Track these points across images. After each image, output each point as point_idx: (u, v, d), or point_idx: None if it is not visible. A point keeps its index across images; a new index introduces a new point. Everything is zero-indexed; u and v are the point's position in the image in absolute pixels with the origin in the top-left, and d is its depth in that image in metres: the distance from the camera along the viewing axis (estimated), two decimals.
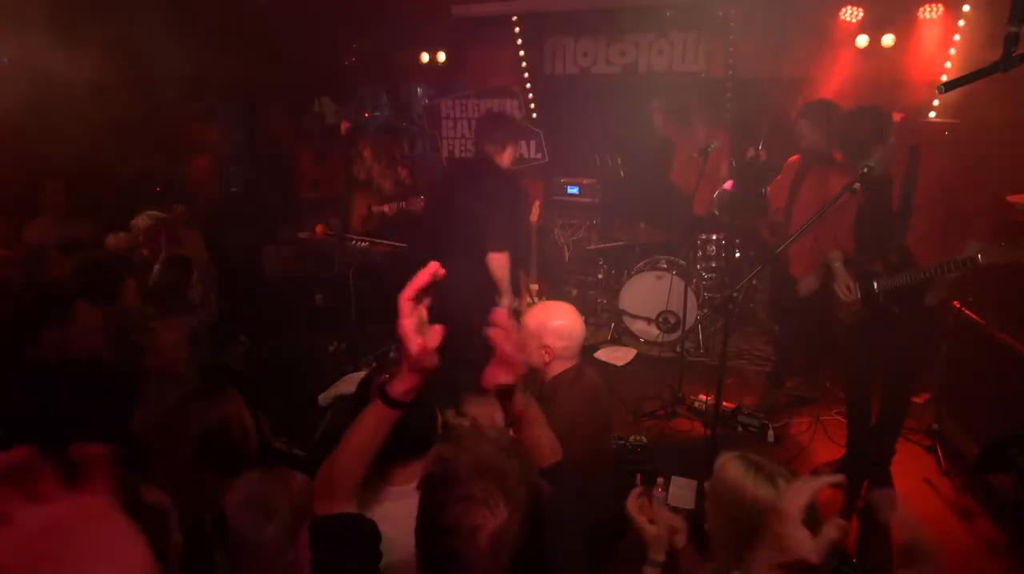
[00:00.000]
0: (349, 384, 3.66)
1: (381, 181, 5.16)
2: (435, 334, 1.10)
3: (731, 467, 1.37)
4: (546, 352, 2.15)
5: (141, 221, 3.53)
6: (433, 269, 1.09)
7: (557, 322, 2.15)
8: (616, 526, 2.45)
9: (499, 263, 3.05)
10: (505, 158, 3.24)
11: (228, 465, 1.66)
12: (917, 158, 2.70)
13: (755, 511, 1.30)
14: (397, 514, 1.26)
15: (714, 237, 4.82)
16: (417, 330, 1.09)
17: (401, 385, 1.15)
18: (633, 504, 1.68)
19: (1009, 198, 3.15)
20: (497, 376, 1.12)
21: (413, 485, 1.21)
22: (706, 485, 1.42)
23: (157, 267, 3.29)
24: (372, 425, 1.17)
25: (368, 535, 1.12)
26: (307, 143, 5.95)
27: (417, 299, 1.09)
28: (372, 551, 1.10)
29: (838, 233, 2.96)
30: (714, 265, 4.83)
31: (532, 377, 2.25)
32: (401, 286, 1.09)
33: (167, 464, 1.67)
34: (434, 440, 1.45)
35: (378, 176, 5.15)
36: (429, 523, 0.99)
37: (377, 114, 6.56)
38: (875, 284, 2.82)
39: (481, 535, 0.93)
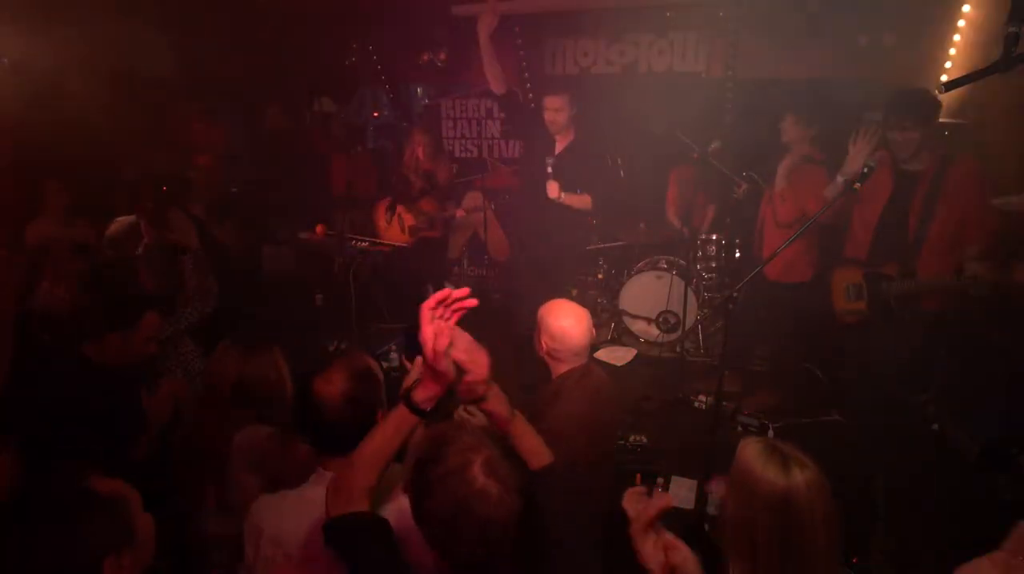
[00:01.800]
0: None
1: (427, 168, 4.98)
2: (445, 342, 1.17)
3: (748, 449, 1.37)
4: (540, 347, 2.19)
5: (113, 229, 3.49)
6: (463, 293, 1.20)
7: (557, 322, 2.15)
8: (616, 526, 2.45)
9: None
10: (544, 114, 3.54)
11: (261, 409, 1.90)
12: (946, 163, 2.75)
13: (758, 494, 1.29)
14: (322, 497, 1.37)
15: (714, 237, 4.82)
16: (445, 351, 1.18)
17: (423, 392, 1.21)
18: (631, 503, 1.65)
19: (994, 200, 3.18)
20: (465, 389, 1.22)
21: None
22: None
23: (142, 249, 3.26)
24: (392, 429, 1.22)
25: (380, 530, 1.16)
26: (335, 143, 5.93)
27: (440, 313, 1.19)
28: (388, 544, 1.15)
29: (860, 229, 3.03)
30: (714, 265, 4.83)
31: (544, 374, 2.26)
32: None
33: (207, 402, 1.95)
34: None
35: (425, 164, 4.98)
36: (429, 488, 1.04)
37: (386, 113, 6.55)
38: (885, 287, 2.87)
39: (474, 466, 1.00)
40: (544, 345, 2.17)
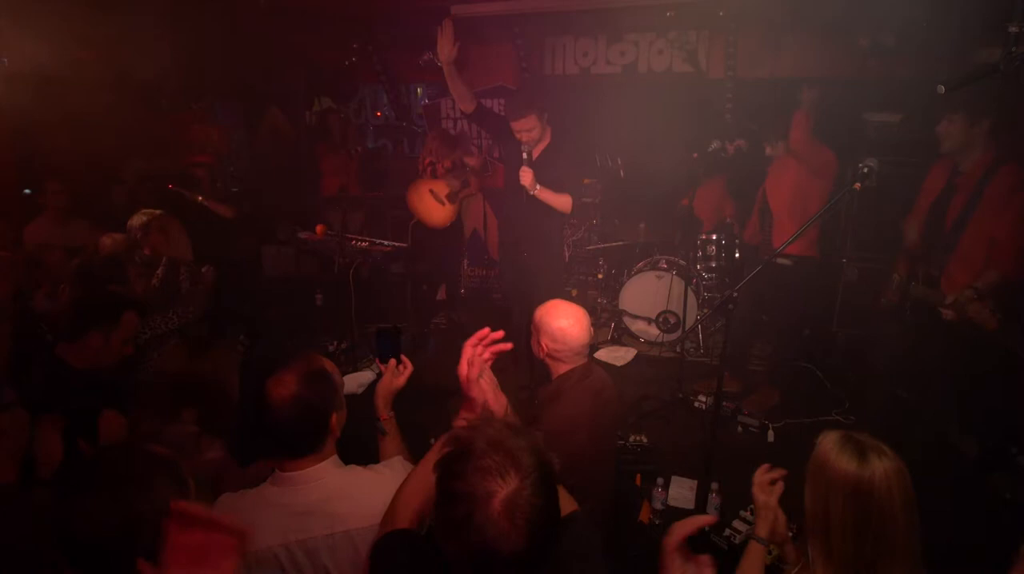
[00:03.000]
0: (349, 384, 3.67)
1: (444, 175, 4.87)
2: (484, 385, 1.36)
3: (827, 440, 1.41)
4: (539, 349, 2.18)
5: (137, 220, 3.53)
6: (499, 335, 1.40)
7: (555, 323, 2.14)
8: (617, 524, 2.45)
9: None
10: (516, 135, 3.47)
11: (201, 410, 1.90)
12: (992, 174, 2.63)
13: (833, 482, 1.33)
14: (277, 497, 1.45)
15: (714, 237, 4.81)
16: (477, 379, 1.35)
17: (459, 422, 1.32)
18: (760, 477, 1.71)
19: None
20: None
21: (298, 473, 1.46)
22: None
23: (160, 270, 3.30)
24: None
25: (419, 547, 1.22)
26: (330, 141, 5.91)
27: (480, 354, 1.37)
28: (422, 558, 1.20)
29: (915, 219, 2.94)
30: (714, 265, 4.83)
31: (543, 372, 2.25)
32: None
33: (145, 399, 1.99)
34: (320, 441, 1.51)
35: (442, 170, 4.88)
36: (446, 494, 1.04)
37: (380, 115, 6.54)
38: (912, 286, 2.87)
39: (495, 501, 0.99)
40: (544, 346, 2.16)
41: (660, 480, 2.88)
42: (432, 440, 3.11)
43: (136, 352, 2.37)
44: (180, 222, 3.87)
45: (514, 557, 0.98)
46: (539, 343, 2.18)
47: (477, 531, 0.98)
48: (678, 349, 4.34)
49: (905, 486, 1.31)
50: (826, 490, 1.35)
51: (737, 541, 2.57)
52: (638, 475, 3.06)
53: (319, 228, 4.00)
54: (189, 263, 3.54)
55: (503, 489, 0.99)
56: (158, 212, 3.59)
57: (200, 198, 4.30)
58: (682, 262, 4.64)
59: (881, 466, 1.31)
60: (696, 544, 1.22)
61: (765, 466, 1.72)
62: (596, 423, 2.10)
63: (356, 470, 1.54)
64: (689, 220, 4.63)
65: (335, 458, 1.53)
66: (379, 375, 1.77)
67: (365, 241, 4.05)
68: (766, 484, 1.69)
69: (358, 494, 1.47)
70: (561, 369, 2.17)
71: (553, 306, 2.21)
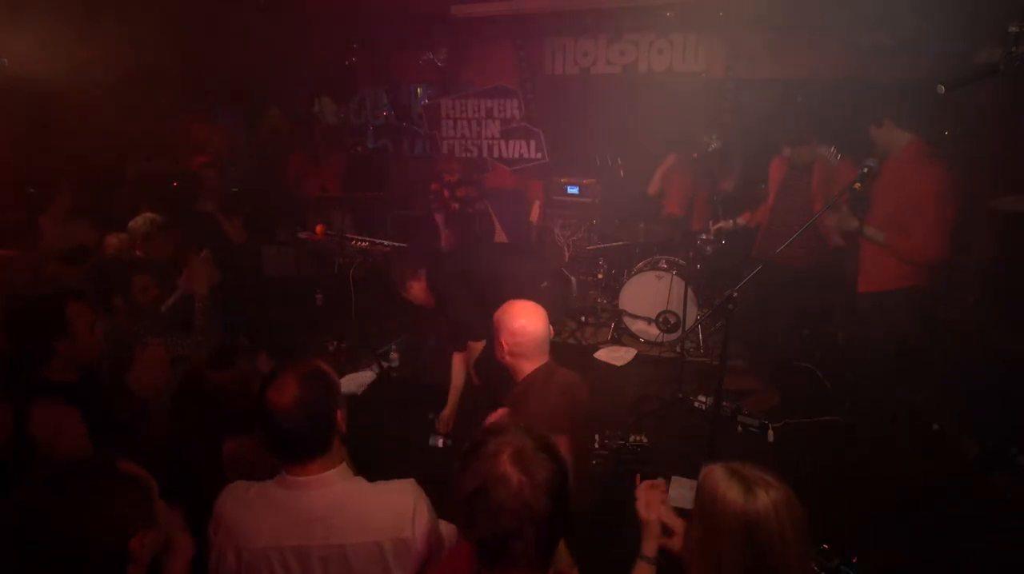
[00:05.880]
0: (349, 385, 3.67)
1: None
2: None
3: (712, 475, 1.37)
4: (501, 350, 2.17)
5: (138, 224, 3.53)
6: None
7: (514, 320, 2.15)
8: (609, 516, 2.44)
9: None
10: None
11: (231, 419, 1.85)
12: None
13: (723, 520, 1.29)
14: (281, 499, 1.43)
15: (713, 236, 4.81)
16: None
17: None
18: (641, 494, 1.75)
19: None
20: None
21: (305, 478, 1.43)
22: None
23: (172, 300, 3.29)
24: None
25: None
26: (306, 144, 5.94)
27: None
28: None
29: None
30: (714, 265, 4.83)
31: (507, 377, 2.24)
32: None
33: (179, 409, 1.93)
34: (328, 441, 1.47)
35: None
36: (461, 478, 1.11)
37: (387, 114, 6.55)
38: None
39: (502, 456, 1.07)
40: (504, 344, 2.15)
41: (660, 480, 2.88)
42: (430, 439, 3.11)
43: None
44: (187, 232, 3.84)
45: (528, 516, 1.04)
46: (499, 343, 2.16)
47: (492, 491, 1.04)
48: (678, 349, 4.34)
49: (794, 517, 1.26)
50: (716, 529, 1.30)
51: None
52: (638, 475, 3.05)
53: (319, 228, 4.01)
54: (205, 298, 3.55)
55: (508, 447, 1.09)
56: (159, 218, 3.58)
57: (214, 213, 4.33)
58: (682, 262, 4.64)
59: (768, 498, 1.26)
60: None
61: (646, 483, 1.75)
62: (570, 415, 2.09)
63: (363, 484, 1.50)
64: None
65: (344, 467, 1.49)
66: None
67: (365, 241, 4.05)
68: (654, 502, 1.69)
69: (361, 509, 1.43)
70: (526, 368, 2.16)
71: (511, 305, 2.21)
